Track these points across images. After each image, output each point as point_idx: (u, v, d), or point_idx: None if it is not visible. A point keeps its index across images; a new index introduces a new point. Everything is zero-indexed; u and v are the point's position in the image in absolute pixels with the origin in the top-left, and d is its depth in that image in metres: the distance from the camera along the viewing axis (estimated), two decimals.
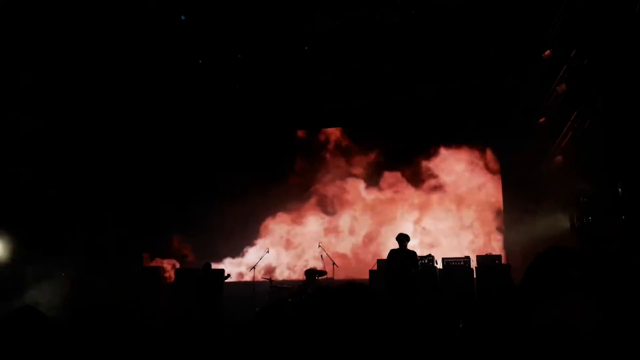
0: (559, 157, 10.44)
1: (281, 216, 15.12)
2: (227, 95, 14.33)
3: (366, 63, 13.05)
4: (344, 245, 14.50)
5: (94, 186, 12.76)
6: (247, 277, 12.94)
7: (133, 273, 12.47)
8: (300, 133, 15.44)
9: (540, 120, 11.14)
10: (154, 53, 12.41)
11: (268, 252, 12.65)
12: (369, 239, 14.42)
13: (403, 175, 14.68)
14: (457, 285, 11.03)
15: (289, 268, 14.42)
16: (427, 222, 14.11)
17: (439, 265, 11.38)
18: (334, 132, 15.26)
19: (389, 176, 14.83)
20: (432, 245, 13.11)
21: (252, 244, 14.80)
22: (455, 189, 14.20)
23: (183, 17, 11.61)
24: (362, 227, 14.75)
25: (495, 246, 13.31)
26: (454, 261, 11.51)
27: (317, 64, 13.15)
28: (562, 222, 10.16)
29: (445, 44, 12.11)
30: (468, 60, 12.44)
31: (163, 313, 11.18)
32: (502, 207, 13.55)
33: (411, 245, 9.91)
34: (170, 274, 13.20)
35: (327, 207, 15.21)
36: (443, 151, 14.18)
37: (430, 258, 10.98)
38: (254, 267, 12.15)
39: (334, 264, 11.67)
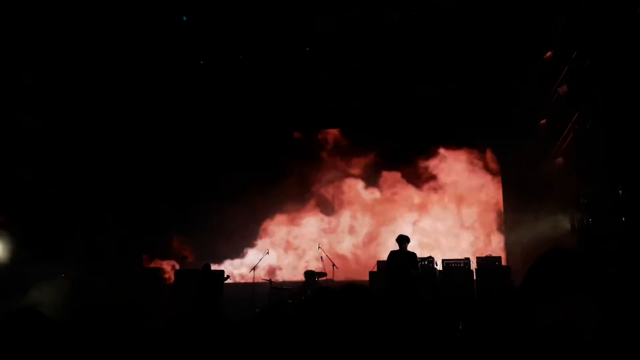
0: (560, 159, 10.42)
1: (281, 217, 15.11)
2: (228, 95, 14.33)
3: (366, 63, 13.03)
4: (344, 246, 14.49)
5: (94, 186, 12.74)
6: (247, 278, 12.93)
7: (133, 273, 12.47)
8: (300, 134, 15.43)
9: (541, 121, 11.12)
10: (155, 53, 12.41)
11: (268, 253, 12.64)
12: (369, 239, 14.41)
13: (403, 175, 14.67)
14: (457, 287, 11.03)
15: (289, 269, 14.41)
16: (427, 223, 14.10)
17: (439, 267, 11.36)
18: (333, 133, 15.24)
19: (388, 176, 14.81)
20: (432, 247, 13.10)
21: (252, 245, 14.79)
22: (455, 190, 14.19)
23: (185, 18, 11.62)
24: (362, 228, 14.73)
25: (496, 247, 13.29)
26: (454, 263, 11.52)
27: (317, 64, 13.14)
28: (563, 223, 10.12)
29: (445, 44, 12.09)
30: (468, 61, 12.42)
31: (163, 314, 11.17)
32: (502, 208, 13.51)
33: (410, 246, 9.91)
34: (170, 275, 13.20)
35: (327, 208, 15.20)
36: (443, 151, 14.17)
37: (430, 260, 10.97)
38: (254, 269, 12.15)
39: (333, 265, 11.67)
